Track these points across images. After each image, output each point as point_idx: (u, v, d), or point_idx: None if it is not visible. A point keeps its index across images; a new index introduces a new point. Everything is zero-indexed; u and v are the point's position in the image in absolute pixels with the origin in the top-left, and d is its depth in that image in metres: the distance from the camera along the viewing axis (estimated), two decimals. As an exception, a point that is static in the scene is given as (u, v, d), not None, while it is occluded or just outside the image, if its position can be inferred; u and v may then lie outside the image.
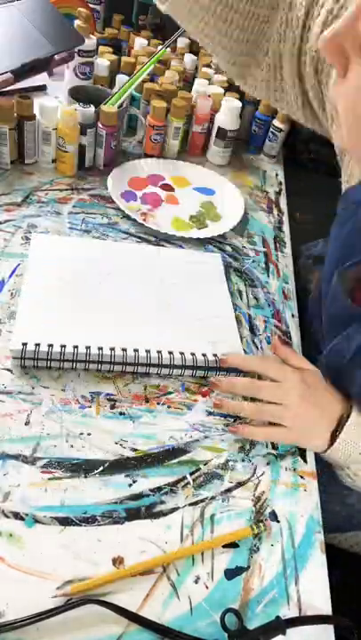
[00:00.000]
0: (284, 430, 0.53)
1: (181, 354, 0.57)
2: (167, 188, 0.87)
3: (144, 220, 0.77)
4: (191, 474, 0.50)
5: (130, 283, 0.65)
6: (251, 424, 0.55)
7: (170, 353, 0.57)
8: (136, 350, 0.56)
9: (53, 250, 0.66)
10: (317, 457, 0.55)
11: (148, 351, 0.56)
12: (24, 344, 0.53)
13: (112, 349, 0.55)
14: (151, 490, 0.48)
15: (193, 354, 0.58)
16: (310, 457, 0.55)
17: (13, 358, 0.54)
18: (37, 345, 0.53)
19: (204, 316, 0.63)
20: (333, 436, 0.52)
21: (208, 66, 1.10)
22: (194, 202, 0.86)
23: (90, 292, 0.62)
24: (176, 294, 0.65)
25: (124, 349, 0.56)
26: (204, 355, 0.58)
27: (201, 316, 0.63)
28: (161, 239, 0.76)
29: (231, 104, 0.92)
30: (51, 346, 0.54)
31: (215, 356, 0.58)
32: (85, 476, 0.48)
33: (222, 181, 0.91)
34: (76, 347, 0.54)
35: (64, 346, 0.54)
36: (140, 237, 0.75)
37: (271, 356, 0.62)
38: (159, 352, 0.56)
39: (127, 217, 0.77)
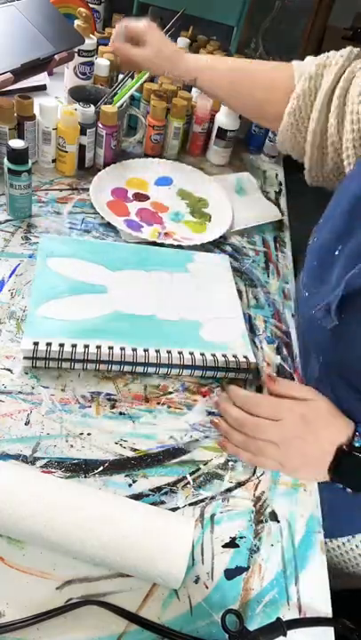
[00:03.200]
0: (273, 464, 0.51)
1: (191, 354, 0.57)
2: (140, 197, 0.83)
3: (165, 238, 0.76)
4: (191, 474, 0.50)
5: (137, 284, 0.65)
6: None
7: (179, 353, 0.57)
8: (146, 350, 0.56)
9: (62, 250, 0.66)
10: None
11: (157, 351, 0.56)
12: (35, 344, 0.53)
13: (122, 349, 0.55)
14: (151, 490, 0.48)
15: (191, 353, 0.58)
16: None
17: (24, 358, 0.54)
18: (49, 344, 0.53)
19: (212, 317, 0.63)
20: (331, 470, 0.50)
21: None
22: (172, 199, 0.84)
23: (98, 291, 0.62)
24: (184, 295, 0.65)
25: (134, 349, 0.56)
26: (202, 354, 0.58)
27: (209, 316, 0.63)
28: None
29: None
30: (62, 345, 0.54)
31: (213, 355, 0.58)
32: (85, 476, 0.48)
33: (175, 166, 0.90)
34: (87, 346, 0.54)
35: (75, 345, 0.54)
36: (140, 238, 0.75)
37: (262, 395, 0.58)
38: (169, 352, 0.57)
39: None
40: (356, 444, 0.49)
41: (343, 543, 0.63)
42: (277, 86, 0.71)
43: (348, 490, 0.51)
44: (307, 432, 0.51)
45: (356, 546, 0.63)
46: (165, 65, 0.79)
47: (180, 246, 0.74)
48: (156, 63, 0.79)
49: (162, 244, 0.73)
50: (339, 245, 0.54)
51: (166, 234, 0.77)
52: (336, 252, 0.54)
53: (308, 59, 0.71)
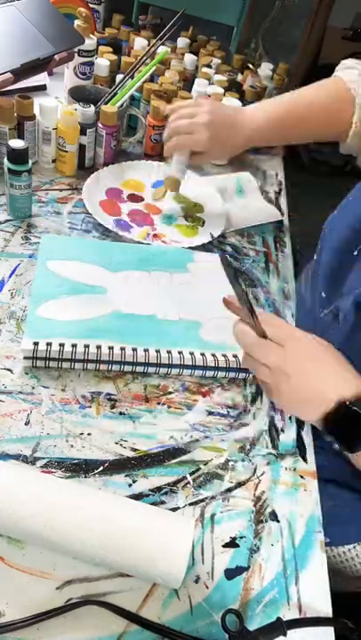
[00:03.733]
0: (274, 391, 0.48)
1: (191, 354, 0.57)
2: (135, 198, 0.83)
3: (153, 240, 0.76)
4: (191, 474, 0.50)
5: (137, 284, 0.65)
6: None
7: (179, 353, 0.57)
8: (146, 350, 0.56)
9: (62, 250, 0.66)
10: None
11: (157, 351, 0.56)
12: (35, 344, 0.53)
13: (122, 349, 0.55)
14: (151, 490, 0.48)
15: (192, 353, 0.58)
16: (310, 457, 0.55)
17: (24, 358, 0.54)
18: (49, 344, 0.53)
19: (212, 317, 0.63)
20: (327, 419, 0.46)
21: (208, 66, 1.10)
22: (167, 202, 0.84)
23: (98, 291, 0.62)
24: (184, 295, 0.65)
25: (134, 349, 0.56)
26: (202, 354, 0.58)
27: (209, 316, 0.63)
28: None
29: (231, 104, 0.92)
30: (62, 345, 0.54)
31: (213, 355, 0.58)
32: (85, 476, 0.48)
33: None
34: (87, 346, 0.54)
35: (75, 345, 0.54)
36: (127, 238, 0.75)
37: (274, 316, 0.54)
38: (169, 352, 0.57)
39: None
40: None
41: (349, 550, 0.63)
42: (338, 122, 0.74)
43: (336, 446, 0.47)
44: (302, 368, 0.47)
45: None
46: (227, 153, 0.77)
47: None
48: (222, 151, 0.79)
49: (148, 244, 0.73)
50: (358, 245, 0.52)
51: (155, 235, 0.77)
52: (355, 253, 0.52)
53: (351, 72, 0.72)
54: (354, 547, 0.63)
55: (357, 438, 0.46)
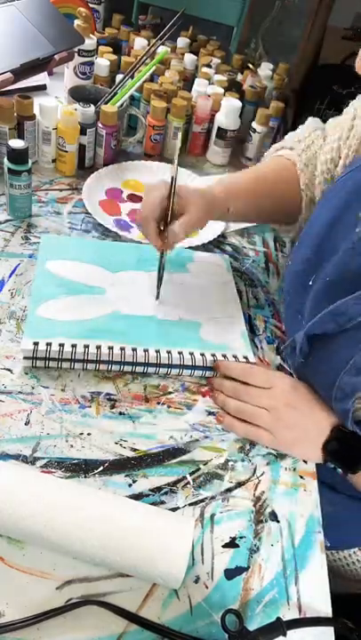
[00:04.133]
0: (266, 434, 0.53)
1: (191, 354, 0.58)
2: (134, 198, 0.83)
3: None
4: (191, 474, 0.50)
5: (137, 284, 0.65)
6: (235, 418, 0.55)
7: (179, 353, 0.57)
8: (146, 350, 0.56)
9: (62, 250, 0.66)
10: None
11: (157, 351, 0.56)
12: (35, 344, 0.53)
13: (122, 349, 0.55)
14: (151, 490, 0.48)
15: (191, 353, 0.58)
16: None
17: (24, 358, 0.54)
18: (49, 344, 0.53)
19: (212, 317, 0.63)
20: (325, 448, 0.51)
21: (208, 66, 1.10)
22: None
23: (98, 292, 0.62)
24: (184, 295, 0.65)
25: (134, 349, 0.56)
26: (202, 354, 0.58)
27: (209, 316, 0.63)
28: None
29: (231, 104, 0.92)
30: (62, 345, 0.54)
31: (213, 355, 0.58)
32: (85, 476, 0.48)
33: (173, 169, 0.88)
34: (86, 346, 0.54)
35: (75, 345, 0.54)
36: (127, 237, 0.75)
37: (257, 365, 0.60)
38: (169, 352, 0.57)
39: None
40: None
41: (350, 554, 0.64)
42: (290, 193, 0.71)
43: (340, 471, 0.51)
44: (298, 401, 0.53)
45: None
46: (207, 218, 0.64)
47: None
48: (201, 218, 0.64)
49: (148, 244, 0.73)
50: (312, 276, 0.54)
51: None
52: (310, 283, 0.54)
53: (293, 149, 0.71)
54: (355, 552, 0.63)
55: (357, 458, 0.50)
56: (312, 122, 0.72)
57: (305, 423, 0.52)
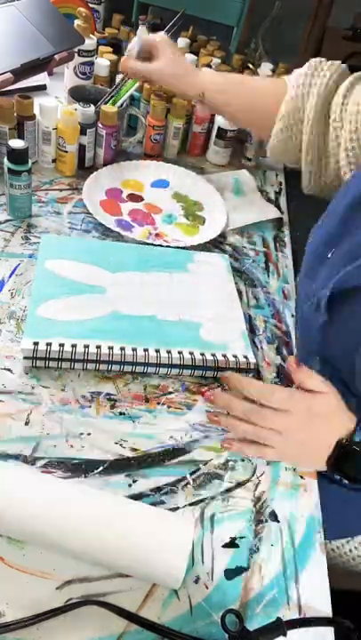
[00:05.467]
0: (272, 451, 0.50)
1: (191, 354, 0.57)
2: (135, 198, 0.83)
3: (155, 239, 0.75)
4: (191, 474, 0.50)
5: (137, 284, 0.65)
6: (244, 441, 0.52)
7: (179, 353, 0.57)
8: (146, 350, 0.56)
9: (62, 250, 0.66)
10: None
11: (157, 351, 0.56)
12: (35, 344, 0.53)
13: (122, 349, 0.55)
14: (151, 490, 0.48)
15: (191, 353, 0.58)
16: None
17: (24, 358, 0.54)
18: (49, 344, 0.53)
19: (212, 317, 0.63)
20: (330, 461, 0.50)
21: (208, 66, 1.10)
22: (167, 202, 0.84)
23: (98, 292, 0.62)
24: (184, 295, 0.65)
25: (134, 349, 0.56)
26: (202, 354, 0.58)
27: (209, 316, 0.63)
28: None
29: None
30: (62, 345, 0.54)
31: (213, 355, 0.58)
32: (85, 476, 0.48)
33: (173, 169, 0.89)
34: (86, 346, 0.54)
35: (75, 345, 0.54)
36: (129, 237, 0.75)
37: (275, 386, 0.58)
38: (169, 352, 0.57)
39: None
40: (357, 439, 0.49)
41: (343, 544, 0.63)
42: (271, 93, 0.73)
43: (345, 481, 0.51)
44: (309, 425, 0.50)
45: (356, 547, 0.63)
46: (174, 80, 0.78)
47: (178, 246, 0.74)
48: (165, 76, 0.79)
49: (151, 245, 0.73)
50: (332, 249, 0.55)
51: (157, 235, 0.77)
52: (329, 255, 0.56)
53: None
54: (348, 541, 0.63)
55: (358, 471, 0.50)
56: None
57: (314, 440, 0.51)
